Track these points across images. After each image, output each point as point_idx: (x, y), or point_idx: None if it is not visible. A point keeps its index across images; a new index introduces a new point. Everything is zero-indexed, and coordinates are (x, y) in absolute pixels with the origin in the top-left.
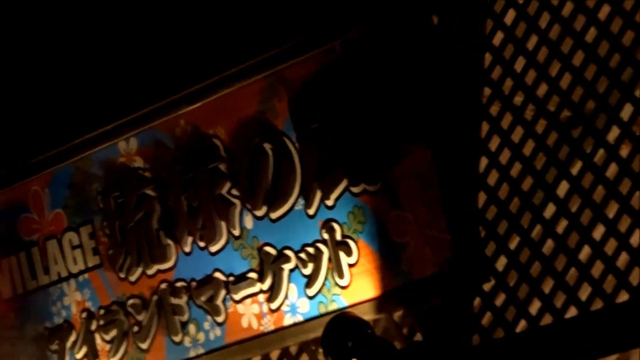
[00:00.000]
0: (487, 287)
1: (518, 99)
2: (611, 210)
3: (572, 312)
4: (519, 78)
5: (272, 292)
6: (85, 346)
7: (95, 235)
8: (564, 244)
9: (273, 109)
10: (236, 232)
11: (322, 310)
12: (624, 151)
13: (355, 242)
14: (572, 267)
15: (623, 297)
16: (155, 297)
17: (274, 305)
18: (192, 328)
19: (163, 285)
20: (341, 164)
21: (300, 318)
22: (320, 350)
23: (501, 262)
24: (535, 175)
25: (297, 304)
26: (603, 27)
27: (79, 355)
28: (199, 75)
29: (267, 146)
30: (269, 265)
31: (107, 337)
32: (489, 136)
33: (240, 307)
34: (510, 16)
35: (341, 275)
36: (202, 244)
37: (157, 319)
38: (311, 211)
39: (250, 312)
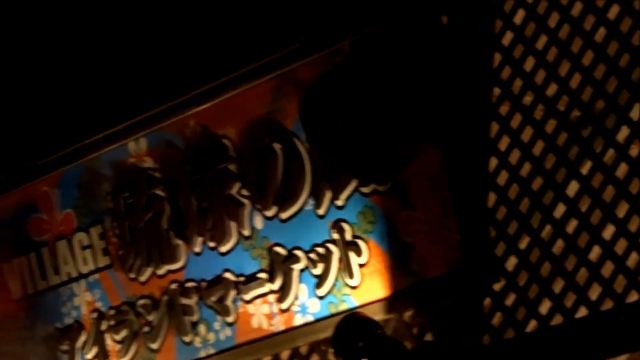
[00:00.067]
0: (497, 287)
1: (528, 99)
2: (621, 210)
3: (582, 312)
4: (528, 78)
5: (283, 292)
6: (95, 346)
7: (105, 235)
8: (574, 244)
9: (283, 110)
10: (246, 233)
11: (333, 310)
12: (634, 151)
13: (366, 242)
14: (582, 267)
15: (633, 297)
16: (165, 298)
17: (284, 306)
18: (202, 328)
19: (173, 286)
20: (351, 164)
21: (310, 318)
22: (331, 350)
23: (511, 262)
24: (545, 175)
25: (307, 304)
26: (613, 27)
27: (90, 356)
28: (209, 76)
29: (277, 146)
30: (279, 266)
31: (118, 338)
32: (499, 136)
33: (250, 308)
34: (519, 16)
35: (351, 276)
36: (212, 244)
37: (168, 319)
38: (321, 211)
39: (260, 312)
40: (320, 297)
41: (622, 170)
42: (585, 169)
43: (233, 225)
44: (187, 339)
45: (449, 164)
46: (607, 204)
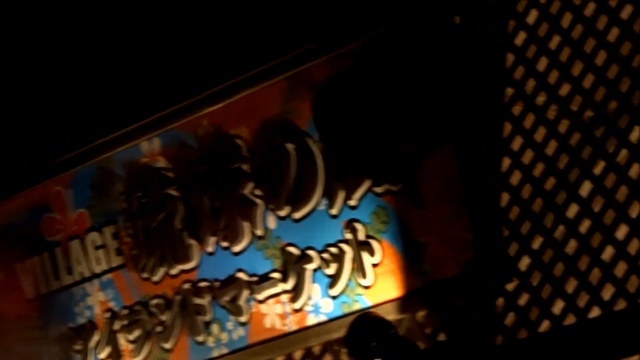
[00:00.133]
0: (510, 287)
1: (541, 99)
2: (634, 210)
3: (595, 312)
4: (541, 78)
5: (295, 292)
6: (108, 346)
7: (118, 235)
8: (587, 244)
9: (295, 110)
10: (259, 232)
11: (345, 310)
12: None
13: (379, 242)
14: (595, 267)
15: None
16: (178, 297)
17: (297, 305)
18: (215, 328)
19: (186, 286)
20: (364, 164)
21: (323, 318)
22: (344, 350)
23: (524, 262)
24: (558, 175)
25: (320, 304)
26: (626, 27)
27: (103, 355)
28: (222, 76)
29: (290, 146)
30: (292, 265)
31: (131, 337)
32: (512, 136)
33: (263, 307)
34: (532, 16)
35: (364, 275)
36: (225, 244)
37: (181, 319)
38: (334, 211)
39: (273, 312)
40: (333, 297)
41: (635, 170)
42: (598, 169)
43: (246, 225)
44: (200, 338)
45: (461, 163)
46: (620, 204)
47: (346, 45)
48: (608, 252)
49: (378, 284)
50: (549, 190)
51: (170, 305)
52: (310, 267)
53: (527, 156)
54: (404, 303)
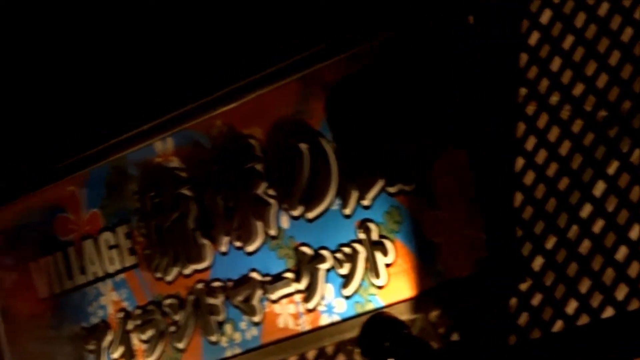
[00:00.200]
0: (523, 287)
1: (554, 99)
2: None
3: (608, 312)
4: (555, 78)
5: (309, 292)
6: (121, 346)
7: (131, 235)
8: (600, 244)
9: (309, 110)
10: (272, 232)
11: (359, 310)
12: None
13: (392, 242)
14: (609, 267)
15: None
16: (191, 297)
17: (310, 305)
18: (228, 328)
19: (199, 285)
20: (377, 164)
21: (336, 318)
22: (357, 350)
23: (538, 262)
24: (571, 175)
25: (333, 304)
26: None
27: (116, 355)
28: (235, 76)
29: (303, 146)
30: (306, 265)
31: (144, 337)
32: (525, 136)
33: (276, 307)
34: (546, 16)
35: (377, 275)
36: (238, 244)
37: (194, 319)
38: (347, 211)
39: (286, 312)
40: (347, 297)
41: None
42: (612, 169)
43: (259, 225)
44: (213, 338)
45: (475, 163)
46: (634, 204)
47: (359, 45)
48: (622, 252)
49: (391, 284)
50: (562, 190)
51: (183, 305)
52: (323, 267)
53: (541, 156)
54: (417, 303)
